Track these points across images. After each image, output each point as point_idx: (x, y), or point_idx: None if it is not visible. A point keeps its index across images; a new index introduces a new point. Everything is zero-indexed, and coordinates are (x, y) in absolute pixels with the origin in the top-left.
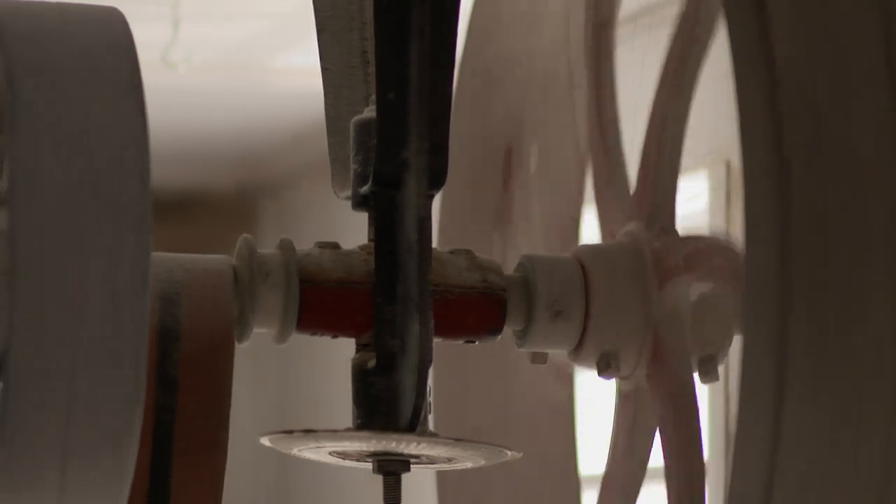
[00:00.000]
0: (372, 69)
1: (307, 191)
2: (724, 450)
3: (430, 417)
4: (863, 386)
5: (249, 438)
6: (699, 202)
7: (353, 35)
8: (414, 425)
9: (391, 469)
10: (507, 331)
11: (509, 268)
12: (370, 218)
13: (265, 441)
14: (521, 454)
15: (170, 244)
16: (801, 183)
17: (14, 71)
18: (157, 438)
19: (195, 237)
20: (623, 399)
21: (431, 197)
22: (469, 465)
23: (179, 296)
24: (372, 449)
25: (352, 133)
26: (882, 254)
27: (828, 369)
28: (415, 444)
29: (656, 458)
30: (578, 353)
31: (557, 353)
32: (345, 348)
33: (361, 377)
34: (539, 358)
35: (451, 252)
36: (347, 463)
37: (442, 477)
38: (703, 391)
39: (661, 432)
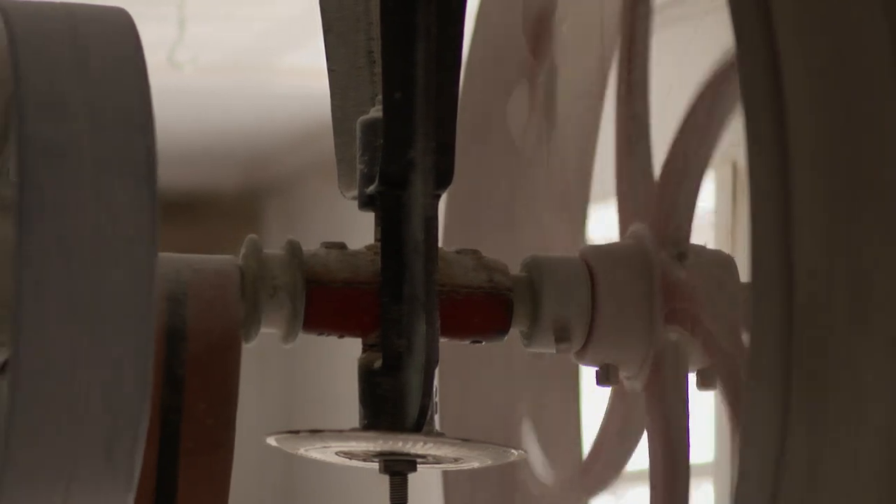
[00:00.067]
0: (378, 69)
1: (313, 191)
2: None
3: (437, 417)
4: (866, 386)
5: (256, 438)
6: (705, 202)
7: (360, 35)
8: (420, 425)
9: (397, 469)
10: (514, 331)
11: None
12: (376, 218)
13: (271, 441)
14: (527, 454)
15: (176, 244)
16: (806, 183)
17: (21, 70)
18: (164, 438)
19: (201, 237)
20: (620, 394)
21: (438, 196)
22: (476, 465)
23: (186, 296)
24: (378, 449)
25: (358, 133)
26: (887, 253)
27: (832, 371)
28: (421, 444)
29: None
30: (584, 354)
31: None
32: (351, 348)
33: (368, 377)
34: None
35: (458, 252)
36: (354, 463)
37: (448, 477)
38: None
39: (648, 437)
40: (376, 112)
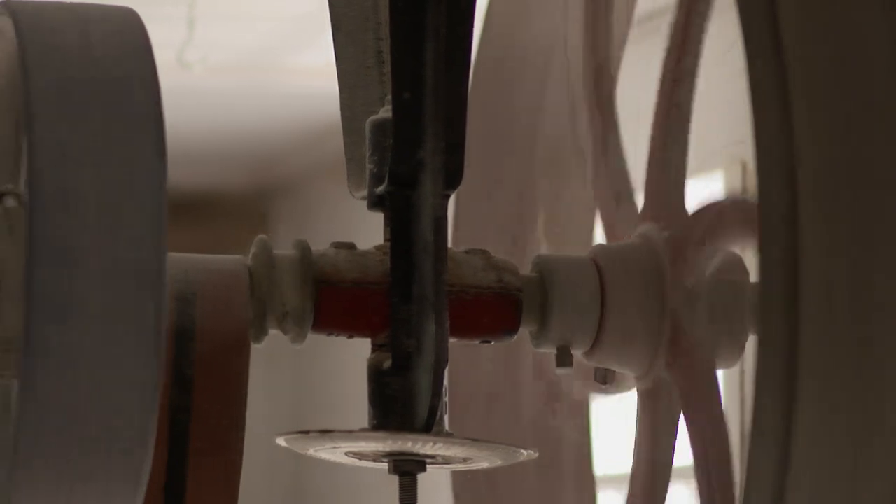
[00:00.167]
0: (387, 69)
1: (322, 191)
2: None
3: (446, 417)
4: (875, 380)
5: (265, 439)
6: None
7: (369, 35)
8: (430, 425)
9: (407, 469)
10: (524, 331)
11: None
12: (386, 218)
13: (281, 441)
14: (537, 454)
15: (185, 244)
16: (813, 182)
17: (31, 71)
18: (173, 438)
19: (210, 237)
20: (643, 397)
21: (447, 197)
22: (485, 465)
23: (195, 296)
24: (388, 449)
25: (367, 133)
26: (891, 254)
27: (840, 364)
28: (430, 444)
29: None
30: (594, 353)
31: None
32: (360, 348)
33: (377, 377)
34: (564, 360)
35: (467, 252)
36: (363, 463)
37: (457, 476)
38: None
39: (685, 421)
40: (385, 112)
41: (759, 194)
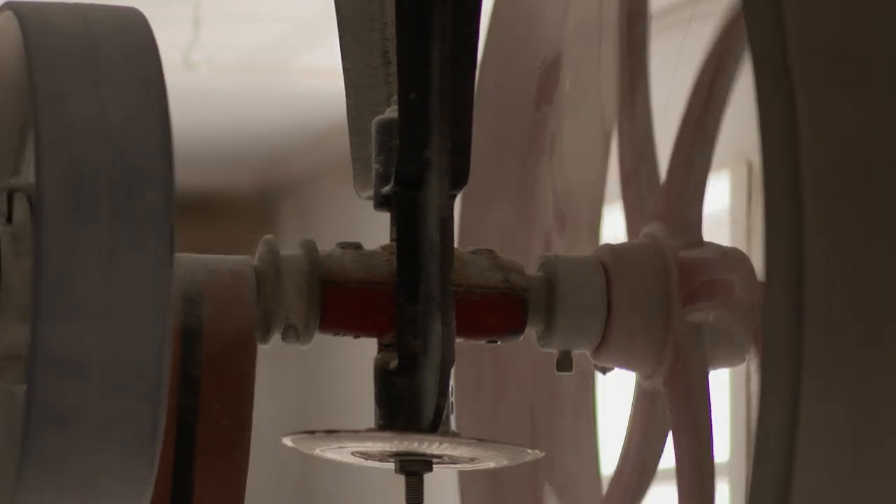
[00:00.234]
0: (393, 69)
1: (328, 191)
2: (745, 450)
3: (452, 417)
4: (877, 381)
5: (272, 439)
6: (721, 202)
7: (375, 35)
8: (436, 425)
9: (413, 469)
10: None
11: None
12: (392, 218)
13: (287, 441)
14: (543, 454)
15: (191, 245)
16: (818, 182)
17: (36, 73)
18: (180, 439)
19: (217, 238)
20: (641, 396)
21: (454, 197)
22: (491, 465)
23: (202, 296)
24: (394, 449)
25: (374, 133)
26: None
27: (844, 368)
28: (437, 444)
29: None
30: (600, 353)
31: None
32: (367, 348)
33: (383, 377)
34: (565, 364)
35: (473, 252)
36: (370, 463)
37: (464, 476)
38: (724, 390)
39: (673, 434)
40: (392, 112)
41: (764, 196)
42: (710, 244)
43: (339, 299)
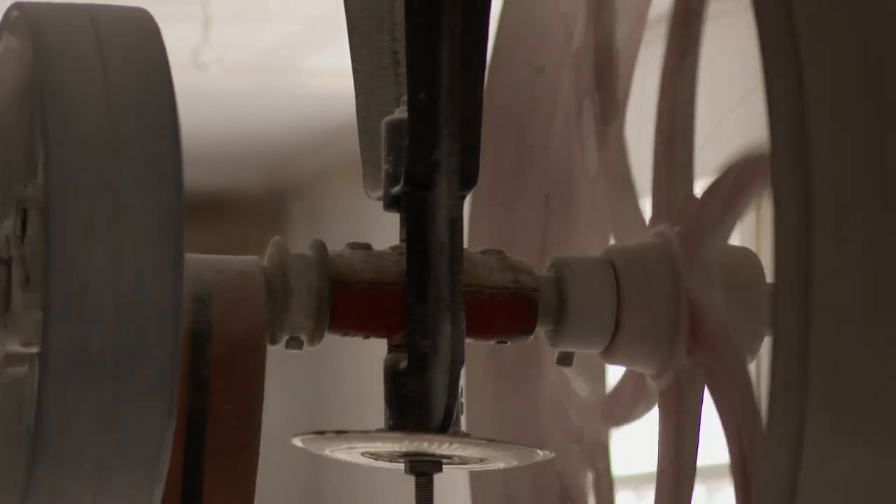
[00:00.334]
0: (403, 70)
1: (338, 191)
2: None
3: (462, 418)
4: (890, 387)
5: (281, 439)
6: None
7: (384, 36)
8: (446, 426)
9: (423, 470)
10: (540, 331)
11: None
12: (402, 219)
13: (297, 442)
14: (553, 454)
15: (201, 245)
16: (829, 183)
17: (43, 74)
18: (190, 439)
19: (226, 238)
20: (664, 397)
21: (463, 197)
22: (501, 465)
23: (211, 297)
24: (404, 449)
25: (383, 134)
26: None
27: (852, 366)
28: (447, 444)
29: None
30: (610, 352)
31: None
32: (376, 349)
33: (393, 378)
34: (566, 360)
35: (483, 252)
36: (379, 464)
37: (475, 476)
38: None
39: (716, 407)
40: (401, 113)
41: (772, 193)
42: (721, 250)
43: (348, 300)
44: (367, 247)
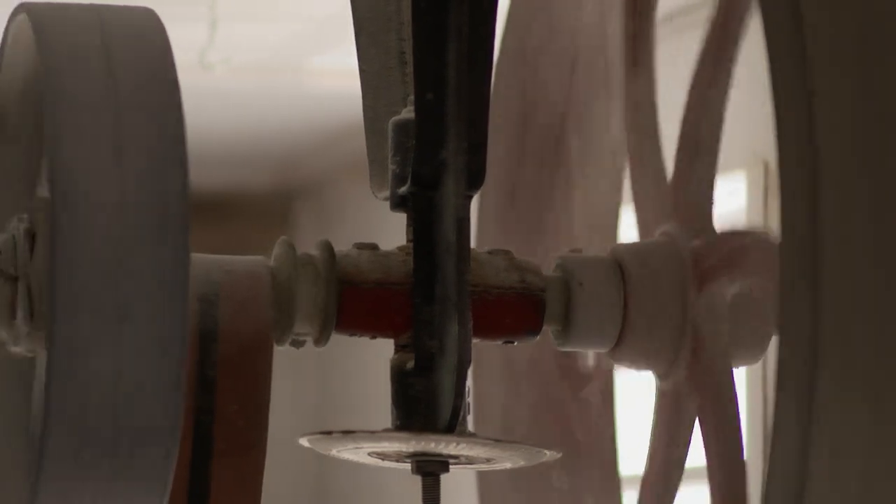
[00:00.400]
0: (409, 70)
1: (344, 192)
2: (761, 449)
3: (469, 418)
4: (890, 382)
5: (288, 439)
6: (737, 201)
7: (391, 36)
8: (453, 426)
9: (430, 470)
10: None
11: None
12: (408, 219)
13: (304, 442)
14: (560, 454)
15: (207, 245)
16: (836, 182)
17: (49, 73)
18: (197, 439)
19: (232, 238)
20: (662, 397)
21: (470, 197)
22: (508, 465)
23: (218, 297)
24: (411, 449)
25: (390, 134)
26: None
27: (860, 365)
28: (454, 444)
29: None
30: (617, 352)
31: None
32: (383, 349)
33: (400, 378)
34: None
35: (490, 252)
36: (386, 464)
37: (483, 477)
38: (739, 392)
39: (701, 430)
40: (408, 112)
41: (780, 196)
42: (725, 235)
43: (355, 300)
44: (373, 247)
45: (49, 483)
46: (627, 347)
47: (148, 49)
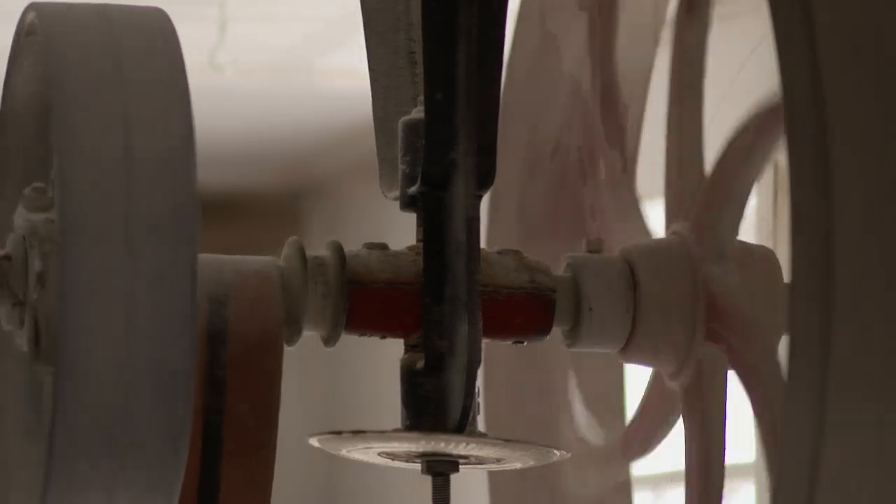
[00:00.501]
0: (419, 70)
1: (354, 191)
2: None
3: (480, 418)
4: None
5: (298, 439)
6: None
7: (400, 36)
8: (463, 426)
9: (440, 470)
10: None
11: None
12: (418, 218)
13: (314, 442)
14: (570, 454)
15: (217, 245)
16: (847, 182)
17: (57, 74)
18: (206, 440)
19: (242, 238)
20: (687, 395)
21: (479, 197)
22: (518, 465)
23: (227, 297)
24: (420, 449)
25: (400, 134)
26: None
27: (873, 371)
28: (463, 444)
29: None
30: (627, 351)
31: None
32: (393, 349)
33: (410, 378)
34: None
35: (500, 252)
36: (396, 464)
37: (493, 477)
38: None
39: (685, 441)
40: (418, 113)
41: (791, 195)
42: (739, 248)
43: (365, 300)
44: (383, 247)
45: (59, 485)
46: (637, 347)
47: (158, 48)
